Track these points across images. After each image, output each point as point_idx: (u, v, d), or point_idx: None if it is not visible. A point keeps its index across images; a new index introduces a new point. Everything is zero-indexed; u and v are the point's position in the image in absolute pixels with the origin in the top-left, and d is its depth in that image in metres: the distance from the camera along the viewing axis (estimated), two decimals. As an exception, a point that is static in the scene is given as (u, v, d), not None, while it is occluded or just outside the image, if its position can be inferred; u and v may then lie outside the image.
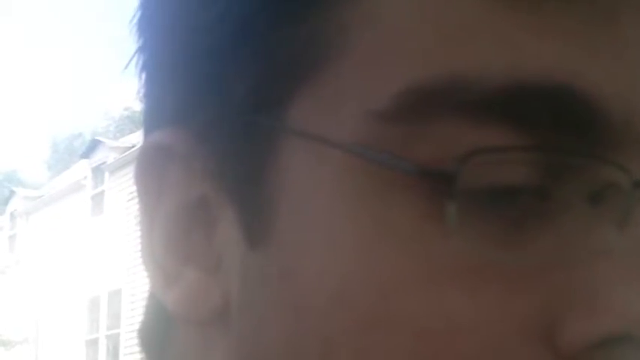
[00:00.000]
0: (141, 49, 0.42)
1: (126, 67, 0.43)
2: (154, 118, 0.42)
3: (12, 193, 23.35)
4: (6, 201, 23.57)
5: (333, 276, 0.34)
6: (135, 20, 0.42)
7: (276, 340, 0.36)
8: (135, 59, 0.42)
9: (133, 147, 17.42)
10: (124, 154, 17.72)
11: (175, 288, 0.38)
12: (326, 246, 0.35)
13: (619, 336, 0.32)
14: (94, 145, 19.64)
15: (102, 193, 18.72)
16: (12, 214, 22.75)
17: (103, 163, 18.50)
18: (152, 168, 0.39)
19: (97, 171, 18.97)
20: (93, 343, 18.48)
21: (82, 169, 20.49)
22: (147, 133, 0.42)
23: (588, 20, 0.33)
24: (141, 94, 0.43)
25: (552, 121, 0.33)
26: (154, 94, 0.42)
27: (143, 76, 0.42)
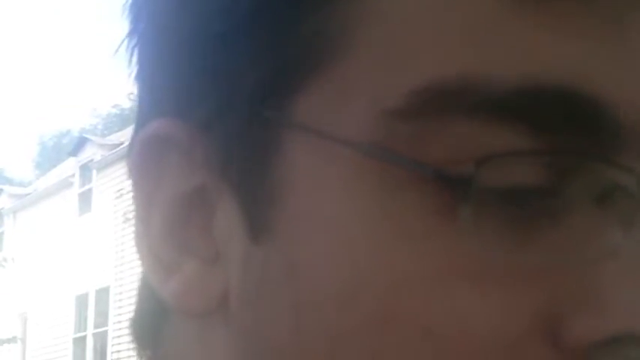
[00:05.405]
0: (135, 33, 0.41)
1: (116, 50, 0.43)
2: (151, 105, 0.41)
3: (-1, 190, 23.28)
4: (-7, 199, 23.48)
5: (341, 273, 0.34)
6: (130, 3, 0.41)
7: (278, 335, 0.36)
8: (126, 42, 0.41)
9: (121, 144, 17.36)
10: (111, 152, 17.65)
11: (173, 279, 0.38)
12: (334, 242, 0.34)
13: (624, 335, 0.33)
14: (81, 143, 19.57)
15: (89, 190, 18.66)
16: (-1, 212, 22.69)
17: (91, 160, 18.45)
18: (150, 156, 0.39)
19: (85, 169, 18.91)
20: (80, 341, 18.41)
21: (70, 166, 20.41)
22: (143, 121, 0.41)
23: (600, 24, 0.33)
24: (133, 79, 0.42)
25: (563, 123, 0.33)
26: (151, 81, 0.41)
27: (136, 61, 0.41)
